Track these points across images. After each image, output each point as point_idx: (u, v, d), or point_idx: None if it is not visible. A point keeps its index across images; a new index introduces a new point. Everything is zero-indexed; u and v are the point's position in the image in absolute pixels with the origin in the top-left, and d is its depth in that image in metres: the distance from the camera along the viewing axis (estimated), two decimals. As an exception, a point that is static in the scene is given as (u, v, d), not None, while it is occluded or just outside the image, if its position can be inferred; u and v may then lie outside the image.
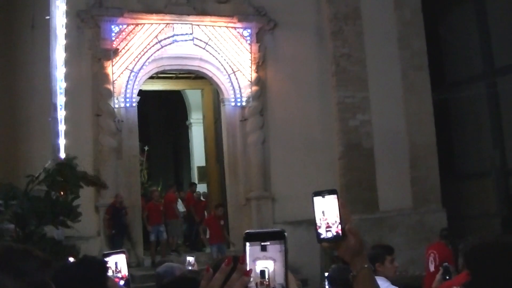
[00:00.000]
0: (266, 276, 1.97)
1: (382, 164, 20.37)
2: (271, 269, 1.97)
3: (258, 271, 1.97)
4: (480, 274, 3.07)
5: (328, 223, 2.57)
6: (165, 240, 19.23)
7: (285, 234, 1.98)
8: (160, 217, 19.29)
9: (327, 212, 2.58)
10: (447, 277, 7.63)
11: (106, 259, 3.86)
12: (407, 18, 21.58)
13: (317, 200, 2.61)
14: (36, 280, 2.12)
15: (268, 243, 1.98)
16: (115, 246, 16.25)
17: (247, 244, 1.99)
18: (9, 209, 9.50)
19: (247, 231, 2.03)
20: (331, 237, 2.58)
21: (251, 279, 1.96)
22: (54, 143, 12.01)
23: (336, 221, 2.57)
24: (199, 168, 26.13)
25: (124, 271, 3.88)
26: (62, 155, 10.98)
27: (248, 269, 1.96)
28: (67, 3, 13.96)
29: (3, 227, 9.88)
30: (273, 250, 1.98)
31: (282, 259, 1.97)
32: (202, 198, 22.28)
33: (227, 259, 2.02)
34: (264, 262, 1.98)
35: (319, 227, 2.58)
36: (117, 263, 3.88)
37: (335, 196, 2.61)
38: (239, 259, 1.99)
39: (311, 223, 2.60)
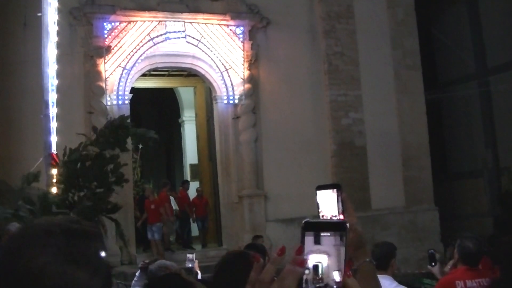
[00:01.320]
0: (320, 272, 1.89)
1: (374, 163, 20.40)
2: (325, 264, 1.89)
3: (310, 266, 1.89)
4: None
5: (331, 217, 2.54)
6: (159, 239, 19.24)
7: (347, 225, 1.88)
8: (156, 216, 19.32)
9: (330, 206, 2.55)
10: (433, 264, 7.64)
11: None
12: (400, 17, 21.61)
13: (320, 194, 2.57)
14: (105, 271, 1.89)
15: (326, 234, 1.89)
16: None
17: (306, 234, 1.90)
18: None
19: (307, 219, 1.92)
20: None
21: (306, 271, 1.88)
22: (45, 140, 11.98)
23: (338, 215, 2.54)
24: (192, 166, 26.07)
25: None
26: (54, 151, 10.95)
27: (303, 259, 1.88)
28: (59, 1, 13.92)
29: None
30: (328, 243, 1.89)
31: (337, 253, 1.88)
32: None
33: (280, 249, 1.94)
34: (317, 256, 1.89)
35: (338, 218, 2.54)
36: None
37: (339, 190, 2.58)
38: (283, 250, 1.91)
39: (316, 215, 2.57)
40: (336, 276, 1.84)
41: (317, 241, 1.86)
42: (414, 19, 21.73)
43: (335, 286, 1.84)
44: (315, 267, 1.85)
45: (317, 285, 1.83)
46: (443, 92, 23.88)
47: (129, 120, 10.76)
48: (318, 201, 2.56)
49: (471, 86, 23.42)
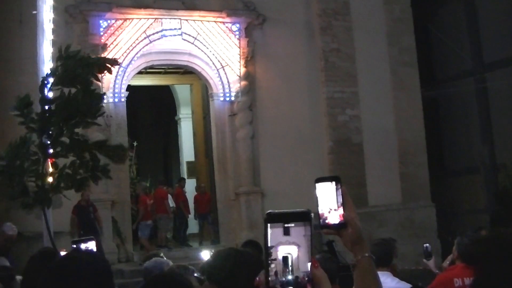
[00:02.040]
0: (289, 263, 1.86)
1: (371, 160, 20.39)
2: (295, 255, 1.86)
3: (280, 257, 1.86)
4: (492, 269, 2.94)
5: (330, 210, 2.52)
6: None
7: (312, 214, 1.85)
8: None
9: (329, 199, 2.53)
10: (428, 258, 7.66)
11: (75, 247, 3.69)
12: (396, 14, 21.59)
13: (319, 186, 2.55)
14: None
15: (292, 225, 1.86)
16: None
17: (268, 226, 1.87)
18: (28, 117, 9.35)
19: (269, 211, 1.89)
20: (332, 224, 2.52)
21: (273, 265, 1.85)
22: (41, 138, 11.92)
23: (338, 209, 2.52)
24: (188, 163, 26.03)
25: None
26: (50, 150, 10.88)
27: (270, 255, 1.84)
28: (56, -1, 13.89)
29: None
30: (297, 234, 1.86)
31: (307, 244, 1.85)
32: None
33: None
34: (287, 248, 1.86)
35: (322, 214, 2.52)
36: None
37: (338, 183, 2.57)
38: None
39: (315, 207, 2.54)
40: (309, 268, 1.83)
41: (287, 232, 1.83)
42: (410, 16, 21.72)
43: (306, 278, 1.82)
44: (285, 258, 1.82)
45: (287, 277, 1.81)
46: (440, 88, 23.86)
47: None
48: (317, 194, 2.54)
49: (467, 83, 23.41)
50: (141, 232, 19.03)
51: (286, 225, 1.84)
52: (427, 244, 8.11)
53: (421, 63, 21.67)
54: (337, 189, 2.55)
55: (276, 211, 1.83)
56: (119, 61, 18.27)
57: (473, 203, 23.14)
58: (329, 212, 2.52)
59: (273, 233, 1.83)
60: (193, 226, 21.75)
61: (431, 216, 20.66)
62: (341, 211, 2.55)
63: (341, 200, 2.55)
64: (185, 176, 24.47)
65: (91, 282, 2.81)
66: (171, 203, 20.60)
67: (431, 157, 21.37)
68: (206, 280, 3.21)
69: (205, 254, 8.93)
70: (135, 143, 25.80)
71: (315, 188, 2.55)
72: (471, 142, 23.62)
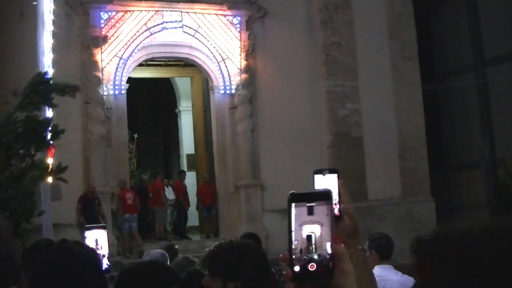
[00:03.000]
0: (313, 241, 1.88)
1: (371, 154, 20.38)
2: (318, 234, 1.88)
3: (304, 236, 1.88)
4: (439, 272, 2.86)
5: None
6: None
7: (332, 194, 1.86)
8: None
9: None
10: None
11: (87, 232, 3.66)
12: (397, 8, 21.56)
13: (318, 178, 2.56)
14: None
15: (315, 203, 1.88)
16: None
17: (293, 205, 1.89)
18: None
19: (293, 191, 1.91)
20: None
21: (297, 242, 1.87)
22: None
23: (335, 201, 2.52)
24: (188, 156, 26.03)
25: (105, 249, 3.65)
26: (49, 142, 10.89)
27: (294, 233, 1.87)
28: (55, -11, 13.88)
29: None
30: (320, 213, 1.88)
31: (329, 223, 1.88)
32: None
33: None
34: (311, 227, 1.88)
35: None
36: (98, 240, 3.65)
37: (336, 175, 2.57)
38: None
39: None
40: (329, 248, 1.85)
41: (310, 212, 1.85)
42: (411, 10, 21.69)
43: (328, 256, 1.84)
44: (309, 237, 1.84)
45: (310, 255, 1.83)
46: (440, 83, 23.85)
47: (48, 76, 10.53)
48: (316, 186, 2.55)
49: (468, 78, 23.41)
50: (120, 226, 18.69)
51: (309, 205, 1.85)
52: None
53: (421, 57, 21.64)
54: (334, 181, 2.56)
55: (299, 191, 1.85)
56: (120, 53, 18.38)
57: (473, 198, 23.13)
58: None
59: (297, 212, 1.85)
60: (193, 219, 21.74)
61: (431, 211, 20.66)
62: (336, 203, 2.56)
63: (338, 193, 2.56)
64: (185, 169, 24.47)
65: (80, 275, 2.80)
66: (171, 195, 20.59)
67: (431, 152, 21.36)
68: (208, 274, 3.19)
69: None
70: (135, 136, 25.84)
71: (313, 179, 2.56)
72: (471, 137, 23.61)
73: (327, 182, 2.54)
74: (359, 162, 20.24)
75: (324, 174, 2.56)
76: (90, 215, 16.67)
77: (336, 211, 2.54)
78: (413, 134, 21.05)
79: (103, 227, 3.78)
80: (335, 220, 2.52)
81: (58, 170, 10.43)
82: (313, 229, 1.87)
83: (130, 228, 18.41)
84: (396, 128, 20.95)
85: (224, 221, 19.83)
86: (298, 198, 1.88)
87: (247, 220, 19.11)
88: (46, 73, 10.53)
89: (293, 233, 1.88)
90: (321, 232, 1.87)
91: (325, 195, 1.87)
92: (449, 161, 24.46)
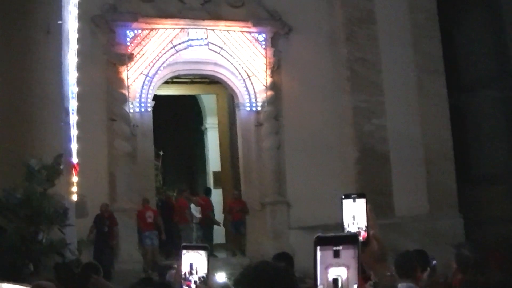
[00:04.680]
0: (339, 285, 1.85)
1: (397, 169, 20.24)
2: (344, 277, 1.85)
3: (330, 279, 1.85)
4: None
5: (358, 227, 2.50)
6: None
7: (360, 238, 1.84)
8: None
9: (357, 216, 2.51)
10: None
11: (184, 252, 3.12)
12: (422, 21, 21.48)
13: (346, 203, 2.53)
14: None
15: (341, 247, 1.86)
16: (95, 252, 16.21)
17: (318, 249, 1.86)
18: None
19: (318, 234, 1.89)
20: None
21: (322, 286, 1.85)
22: (66, 147, 11.99)
23: (363, 226, 2.50)
24: (215, 173, 25.98)
25: (202, 271, 3.05)
26: (75, 160, 10.95)
27: (319, 277, 1.84)
28: (81, 8, 13.97)
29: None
30: (347, 256, 1.85)
31: (355, 266, 1.85)
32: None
33: None
34: (337, 270, 1.85)
35: (349, 231, 2.49)
36: (192, 264, 3.07)
37: (364, 200, 2.54)
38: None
39: (327, 228, 2.54)
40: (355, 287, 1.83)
41: (336, 255, 1.83)
42: (436, 24, 21.60)
43: None
44: (335, 280, 1.82)
45: None
46: (466, 95, 23.67)
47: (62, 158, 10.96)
48: (344, 212, 2.53)
49: (494, 90, 23.18)
50: (143, 242, 18.64)
51: (335, 248, 1.84)
52: (434, 261, 8.06)
53: (446, 70, 21.52)
54: (363, 206, 2.53)
55: (326, 234, 1.85)
56: (146, 71, 18.46)
57: (502, 212, 22.81)
58: (357, 229, 2.50)
59: (322, 255, 1.83)
60: (219, 236, 21.67)
61: (459, 226, 20.46)
62: (364, 228, 2.53)
63: (366, 218, 2.53)
64: (211, 186, 24.45)
65: None
66: (197, 213, 20.56)
67: (457, 165, 21.18)
68: None
69: (220, 277, 8.61)
70: (161, 153, 25.87)
71: (341, 204, 2.53)
72: (497, 150, 23.33)
73: (355, 207, 2.52)
74: (385, 178, 20.11)
75: (354, 200, 2.54)
76: (100, 234, 16.69)
77: (362, 235, 2.51)
78: (440, 148, 20.89)
79: (205, 248, 3.16)
80: (363, 245, 2.49)
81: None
82: (339, 272, 1.84)
83: (152, 245, 18.40)
84: (423, 143, 20.81)
85: (250, 238, 19.75)
86: (324, 241, 1.85)
87: (273, 237, 19.05)
88: (61, 155, 10.85)
89: (318, 276, 1.85)
90: (347, 275, 1.84)
91: (352, 239, 1.85)
92: (477, 174, 24.16)
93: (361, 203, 2.54)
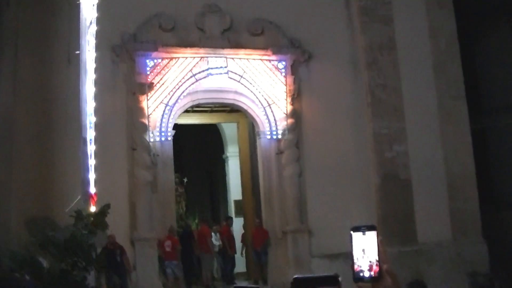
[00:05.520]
0: None
1: (419, 195, 20.06)
2: None
3: None
4: None
5: (369, 261, 2.41)
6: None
7: (340, 279, 1.77)
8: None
9: (367, 250, 2.42)
10: None
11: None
12: (442, 46, 21.40)
13: (356, 236, 2.44)
14: None
15: None
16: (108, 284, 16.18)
17: None
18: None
19: (296, 276, 1.83)
20: (369, 276, 2.39)
21: None
22: (83, 177, 11.99)
23: (375, 260, 2.41)
24: (236, 201, 25.94)
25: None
26: (92, 189, 10.96)
27: None
28: (101, 38, 14.05)
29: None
30: None
31: None
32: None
33: None
34: None
35: (359, 266, 2.40)
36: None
37: (375, 232, 2.45)
38: None
39: (348, 256, 2.44)
40: None
41: None
42: (457, 48, 21.51)
43: None
44: None
45: None
46: (488, 120, 23.51)
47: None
48: (354, 245, 2.44)
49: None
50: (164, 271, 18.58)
51: None
52: None
53: (468, 94, 21.40)
54: (373, 238, 2.45)
55: (304, 275, 1.78)
56: (166, 100, 18.49)
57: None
58: (369, 263, 2.42)
59: None
60: (240, 264, 21.58)
61: (483, 253, 20.19)
62: (376, 262, 2.44)
63: (377, 251, 2.44)
64: (233, 215, 24.41)
65: None
66: (217, 242, 20.47)
67: (481, 191, 20.96)
68: None
69: None
70: (185, 179, 25.92)
71: (350, 237, 2.45)
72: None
73: (365, 240, 2.44)
74: (408, 204, 19.93)
75: (363, 232, 2.46)
76: (112, 266, 16.60)
77: (374, 270, 2.42)
78: (462, 174, 20.71)
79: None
80: (374, 280, 2.40)
81: (101, 214, 10.72)
82: None
83: (173, 274, 18.32)
84: (445, 168, 20.64)
85: (271, 266, 19.61)
86: (302, 283, 1.78)
87: (295, 265, 18.90)
88: (108, 205, 11.08)
89: None
90: None
91: (332, 280, 1.78)
92: (500, 200, 23.90)
93: (372, 235, 2.45)
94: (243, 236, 21.95)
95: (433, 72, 21.17)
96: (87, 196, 11.26)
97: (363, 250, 2.41)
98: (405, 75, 20.75)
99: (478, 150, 21.44)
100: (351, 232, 2.45)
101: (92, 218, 10.99)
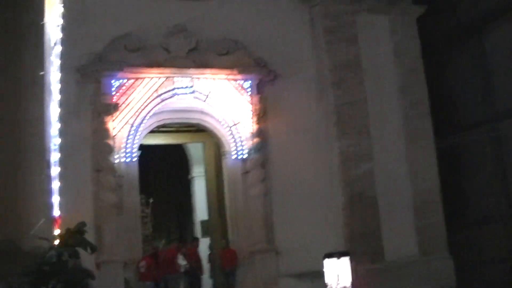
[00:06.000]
0: None
1: (386, 213, 20.14)
2: None
3: None
4: None
5: (344, 286, 2.38)
6: None
7: None
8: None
9: (341, 275, 2.39)
10: None
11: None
12: (407, 65, 21.61)
13: (330, 262, 2.40)
14: None
15: None
16: None
17: None
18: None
19: None
20: None
21: None
22: (47, 200, 11.81)
23: (349, 284, 2.38)
24: (202, 222, 25.80)
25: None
26: (57, 212, 10.81)
27: None
28: (66, 59, 13.91)
29: None
30: None
31: None
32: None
33: None
34: None
35: None
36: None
37: (348, 258, 2.42)
38: None
39: (316, 275, 2.40)
40: None
41: None
42: (421, 67, 21.76)
43: None
44: None
45: None
46: (454, 138, 23.71)
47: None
48: (327, 270, 2.41)
49: (481, 131, 23.21)
50: None
51: None
52: None
53: (434, 112, 21.59)
54: (347, 264, 2.42)
55: None
56: (131, 120, 18.35)
57: (493, 253, 22.69)
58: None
59: None
60: (207, 285, 21.43)
61: (450, 268, 20.33)
62: (350, 286, 2.41)
63: (350, 276, 2.41)
64: (200, 235, 24.27)
65: None
66: (183, 262, 20.31)
67: (449, 207, 21.13)
68: None
69: None
70: (151, 200, 25.73)
71: (322, 264, 2.41)
72: (488, 191, 23.28)
73: (339, 265, 2.40)
74: (375, 222, 19.98)
75: (338, 258, 2.42)
76: None
77: None
78: (428, 191, 20.88)
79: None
80: None
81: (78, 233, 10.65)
82: None
83: None
84: (411, 186, 20.77)
85: (239, 287, 19.50)
86: None
87: (263, 285, 18.82)
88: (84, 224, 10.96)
89: None
90: None
91: None
92: (468, 216, 24.07)
93: (345, 261, 2.41)
94: (210, 256, 21.87)
95: (398, 90, 21.33)
96: (51, 219, 11.10)
97: (338, 276, 2.38)
98: (371, 94, 20.86)
99: (444, 167, 21.60)
100: (325, 258, 2.42)
101: (69, 239, 10.81)
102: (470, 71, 23.95)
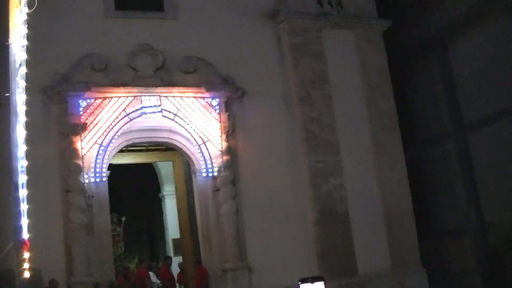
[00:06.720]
0: None
1: (358, 228, 20.20)
2: None
3: None
4: None
5: None
6: None
7: None
8: None
9: None
10: None
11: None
12: (374, 79, 21.74)
13: (305, 287, 2.41)
14: None
15: None
16: None
17: None
18: None
19: None
20: None
21: None
22: (15, 224, 11.63)
23: None
24: (174, 240, 25.74)
25: None
26: (25, 235, 10.65)
27: None
28: (31, 79, 13.75)
29: None
30: None
31: None
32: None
33: None
34: None
35: None
36: None
37: (322, 283, 2.43)
38: None
39: None
40: None
41: None
42: (388, 81, 21.90)
43: None
44: None
45: None
46: (422, 151, 23.89)
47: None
48: None
49: (449, 143, 23.41)
50: None
51: None
52: None
53: (401, 126, 21.72)
54: None
55: None
56: (100, 140, 18.22)
57: (463, 265, 22.84)
58: None
59: None
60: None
61: (423, 281, 20.42)
62: None
63: None
64: (172, 254, 24.16)
65: None
66: (156, 280, 20.20)
67: (418, 220, 21.23)
68: None
69: None
70: (123, 218, 25.61)
71: (297, 284, 2.42)
72: (457, 203, 23.44)
73: None
74: (346, 237, 20.02)
75: (312, 282, 2.43)
76: None
77: None
78: (399, 205, 20.96)
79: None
80: None
81: None
82: None
83: None
84: (381, 200, 20.84)
85: (213, 305, 19.43)
86: None
87: (236, 303, 18.75)
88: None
89: None
90: None
91: None
92: (437, 228, 24.23)
93: (320, 286, 2.43)
94: (179, 275, 21.76)
95: (365, 105, 21.44)
96: (20, 243, 10.94)
97: None
98: (338, 109, 20.96)
99: (413, 180, 21.73)
100: (299, 283, 2.43)
101: None
102: (436, 83, 24.16)
